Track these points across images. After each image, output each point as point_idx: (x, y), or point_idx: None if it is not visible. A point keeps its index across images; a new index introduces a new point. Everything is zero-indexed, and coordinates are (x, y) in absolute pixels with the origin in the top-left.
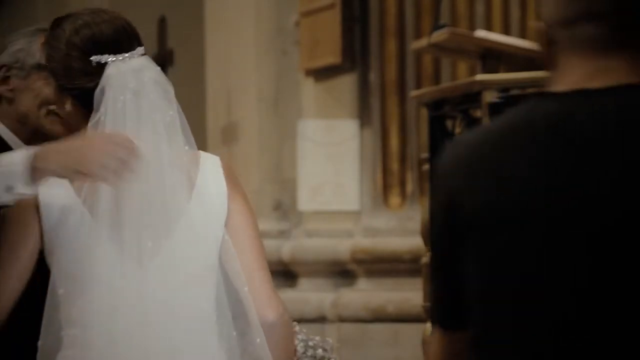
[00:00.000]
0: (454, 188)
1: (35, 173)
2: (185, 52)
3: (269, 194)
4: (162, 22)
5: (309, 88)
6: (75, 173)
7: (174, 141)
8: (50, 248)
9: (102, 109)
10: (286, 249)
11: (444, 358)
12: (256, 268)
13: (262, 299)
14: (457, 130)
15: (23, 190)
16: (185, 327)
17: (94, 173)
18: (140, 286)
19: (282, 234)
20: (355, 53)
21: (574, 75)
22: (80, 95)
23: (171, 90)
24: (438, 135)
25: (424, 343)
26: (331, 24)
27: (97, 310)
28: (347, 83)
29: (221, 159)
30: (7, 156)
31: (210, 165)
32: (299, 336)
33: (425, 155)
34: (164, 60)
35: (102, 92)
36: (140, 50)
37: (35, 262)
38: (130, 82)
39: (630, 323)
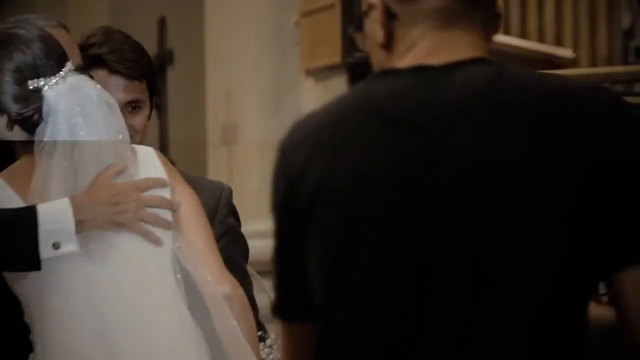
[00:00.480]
0: (293, 170)
1: (79, 228)
2: (185, 52)
3: (269, 194)
4: (162, 22)
5: (309, 88)
6: (115, 225)
7: (116, 141)
8: None
9: (47, 134)
10: None
11: (291, 351)
12: (207, 251)
13: (216, 276)
14: None
15: (69, 247)
16: (143, 316)
17: (132, 225)
18: (95, 286)
19: None
20: (355, 53)
21: (416, 50)
22: (19, 121)
23: (110, 99)
24: None
25: None
26: (331, 24)
27: (53, 318)
28: (347, 83)
29: (155, 150)
30: (47, 207)
31: (148, 158)
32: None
33: None
34: (164, 60)
35: (46, 118)
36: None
37: None
38: (73, 103)
39: (481, 307)
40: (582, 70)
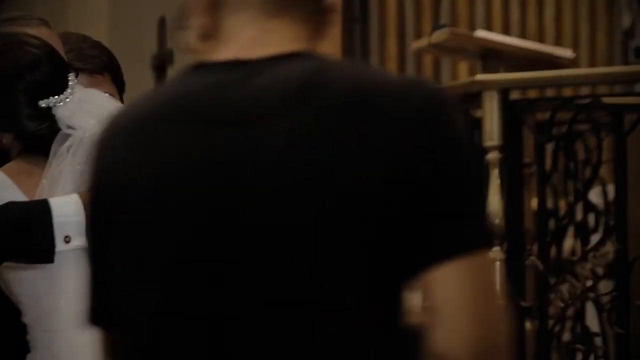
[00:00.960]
0: (103, 166)
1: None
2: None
3: None
4: (162, 22)
5: None
6: None
7: None
8: None
9: (62, 150)
10: None
11: (101, 358)
12: None
13: None
14: None
15: (79, 242)
16: None
17: None
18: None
19: None
20: (355, 53)
21: (236, 41)
22: (28, 138)
23: (116, 103)
24: None
25: None
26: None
27: (60, 309)
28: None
29: None
30: (58, 201)
31: None
32: None
33: None
34: (164, 60)
35: (61, 134)
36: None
37: None
38: (86, 117)
39: (276, 320)
40: (582, 70)
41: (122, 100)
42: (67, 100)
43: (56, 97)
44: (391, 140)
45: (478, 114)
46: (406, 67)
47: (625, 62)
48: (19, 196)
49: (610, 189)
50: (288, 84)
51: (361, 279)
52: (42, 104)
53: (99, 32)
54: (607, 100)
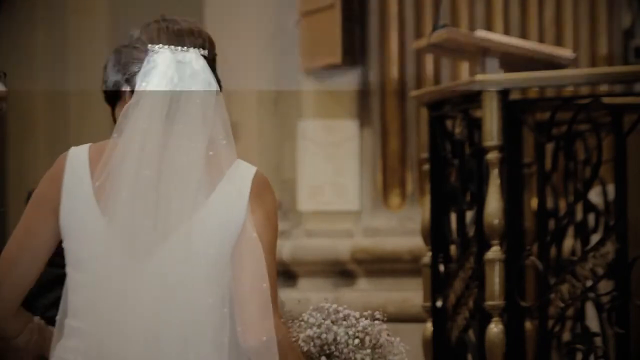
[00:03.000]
0: None
1: None
2: None
3: None
4: None
5: (309, 88)
6: None
7: (205, 140)
8: (65, 232)
9: (141, 89)
10: (286, 249)
11: None
12: (251, 289)
13: (245, 322)
14: (457, 130)
15: None
16: (182, 328)
17: None
18: (142, 282)
19: (282, 234)
20: (355, 53)
21: None
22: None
23: (215, 87)
24: (438, 135)
25: (424, 343)
26: (331, 24)
27: (100, 303)
28: (347, 83)
29: (257, 171)
30: None
31: (240, 174)
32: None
33: (425, 155)
34: None
35: (145, 74)
36: (196, 50)
37: (55, 242)
38: (172, 70)
39: None
40: (582, 71)
41: None
42: (169, 50)
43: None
44: None
45: (478, 114)
46: (406, 67)
47: (625, 62)
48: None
49: (610, 189)
50: None
51: None
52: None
53: (99, 32)
54: (607, 100)
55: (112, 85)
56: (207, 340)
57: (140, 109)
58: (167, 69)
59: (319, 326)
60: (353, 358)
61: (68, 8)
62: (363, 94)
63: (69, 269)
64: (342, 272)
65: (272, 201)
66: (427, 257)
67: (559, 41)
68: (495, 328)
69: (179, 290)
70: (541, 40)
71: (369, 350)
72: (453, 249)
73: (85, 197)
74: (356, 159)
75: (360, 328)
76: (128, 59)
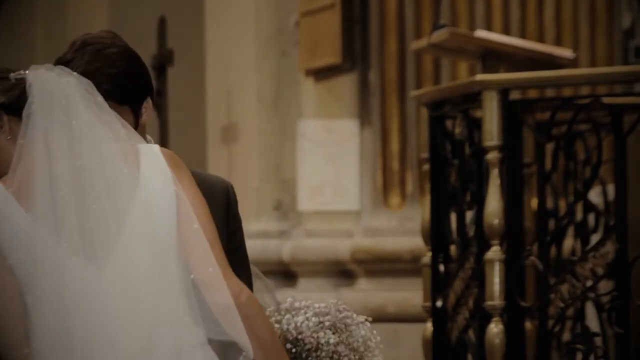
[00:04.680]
0: None
1: None
2: (185, 52)
3: (269, 194)
4: (162, 22)
5: (309, 88)
6: None
7: (113, 134)
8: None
9: (30, 100)
10: (286, 249)
11: None
12: (210, 254)
13: (210, 284)
14: (457, 130)
15: None
16: (150, 320)
17: None
18: (96, 286)
19: (282, 234)
20: (355, 53)
21: None
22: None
23: (96, 94)
24: (438, 135)
25: (424, 343)
26: (331, 24)
27: (51, 316)
28: (347, 83)
29: (160, 147)
30: None
31: (152, 154)
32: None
33: (425, 155)
34: (163, 60)
35: (29, 88)
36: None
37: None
38: (52, 81)
39: None
40: (582, 70)
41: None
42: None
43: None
44: None
45: (478, 114)
46: (406, 67)
47: (625, 62)
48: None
49: (610, 189)
50: None
51: None
52: (12, 76)
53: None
54: (607, 100)
55: None
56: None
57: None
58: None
59: (279, 322)
60: (317, 340)
61: (68, 6)
62: (363, 94)
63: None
64: (342, 272)
65: (183, 167)
66: (427, 257)
67: (559, 41)
68: (495, 328)
69: (135, 290)
70: (541, 40)
71: (329, 331)
72: (453, 249)
73: (17, 216)
74: (356, 158)
75: (316, 310)
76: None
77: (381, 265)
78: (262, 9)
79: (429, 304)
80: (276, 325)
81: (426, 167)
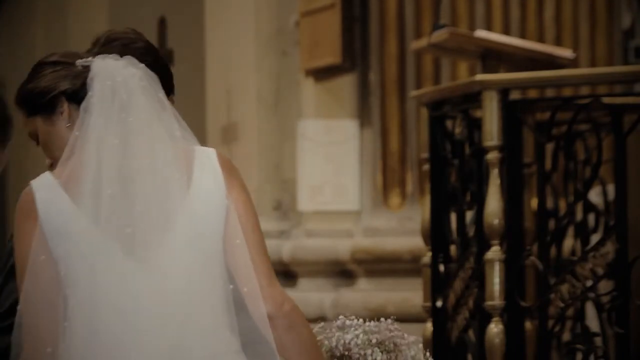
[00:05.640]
0: None
1: None
2: (185, 52)
3: (269, 194)
4: (162, 22)
5: (309, 88)
6: None
7: (168, 134)
8: (54, 252)
9: (90, 94)
10: (286, 249)
11: None
12: (255, 263)
13: (257, 292)
14: (457, 130)
15: None
16: (186, 324)
17: None
18: (132, 288)
19: (282, 234)
20: (355, 53)
21: None
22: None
23: (159, 89)
24: (438, 135)
25: (424, 343)
26: (331, 24)
27: (85, 314)
28: (347, 83)
29: (217, 151)
30: None
31: (206, 158)
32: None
33: (425, 155)
34: None
35: (91, 81)
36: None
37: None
38: (117, 73)
39: None
40: (582, 70)
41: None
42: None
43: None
44: None
45: (478, 114)
46: (406, 67)
47: (625, 62)
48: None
49: (610, 189)
50: None
51: None
52: (79, 63)
53: (99, 33)
54: (607, 100)
55: None
56: (213, 332)
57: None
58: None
59: (329, 338)
60: (364, 357)
61: (68, 6)
62: (363, 94)
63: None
64: (342, 272)
65: (237, 172)
66: (427, 257)
67: (559, 41)
68: (495, 328)
69: (179, 289)
70: (541, 40)
71: (377, 349)
72: (453, 249)
73: (64, 207)
74: (356, 158)
75: (366, 328)
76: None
77: (381, 265)
78: (262, 9)
79: (429, 304)
80: (325, 342)
81: (426, 167)
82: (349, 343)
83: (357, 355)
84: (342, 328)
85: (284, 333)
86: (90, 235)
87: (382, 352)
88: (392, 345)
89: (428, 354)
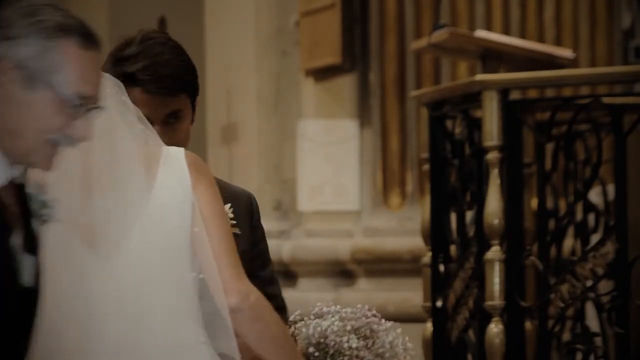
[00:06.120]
0: None
1: None
2: None
3: (269, 194)
4: (162, 22)
5: (309, 88)
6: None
7: (132, 134)
8: None
9: None
10: (286, 249)
11: None
12: (218, 255)
13: (217, 282)
14: (457, 130)
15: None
16: (147, 318)
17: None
18: (106, 281)
19: (282, 234)
20: (355, 53)
21: None
22: None
23: (123, 92)
24: (438, 135)
25: (424, 343)
26: (331, 24)
27: (61, 307)
28: (347, 83)
29: (185, 150)
30: None
31: (172, 157)
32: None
33: (425, 155)
34: None
35: None
36: None
37: None
38: None
39: None
40: (582, 70)
41: (193, 108)
42: None
43: None
44: None
45: (478, 114)
46: (406, 67)
47: (625, 62)
48: None
49: (610, 189)
50: None
51: None
52: None
53: (99, 33)
54: (607, 100)
55: None
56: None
57: None
58: None
59: (307, 325)
60: (340, 344)
61: (68, 6)
62: (363, 94)
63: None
64: (342, 272)
65: (205, 171)
66: (427, 257)
67: (559, 41)
68: (495, 328)
69: (142, 287)
70: (541, 40)
71: (353, 335)
72: (453, 249)
73: None
74: (356, 158)
75: (343, 315)
76: None
77: (381, 265)
78: (262, 9)
79: (429, 304)
80: (303, 330)
81: (426, 167)
82: (326, 330)
83: (333, 342)
84: (319, 315)
85: (250, 325)
86: (52, 228)
87: (358, 338)
88: (368, 331)
89: (407, 339)
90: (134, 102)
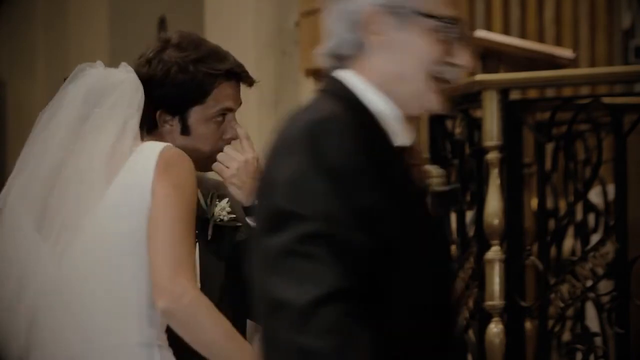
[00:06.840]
0: None
1: None
2: None
3: None
4: (162, 22)
5: (309, 88)
6: None
7: (106, 133)
8: None
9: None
10: None
11: None
12: (156, 255)
13: (154, 288)
14: (457, 130)
15: None
16: (93, 315)
17: None
18: (56, 271)
19: None
20: None
21: None
22: None
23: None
24: (438, 135)
25: None
26: None
27: (14, 296)
28: None
29: (167, 147)
30: None
31: (142, 156)
32: None
33: (425, 155)
34: None
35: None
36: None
37: None
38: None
39: None
40: (582, 70)
41: None
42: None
43: None
44: None
45: (478, 114)
46: None
47: (625, 62)
48: None
49: (610, 189)
50: None
51: None
52: None
53: (99, 32)
54: (607, 100)
55: None
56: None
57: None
58: None
59: None
60: None
61: (68, 6)
62: None
63: None
64: None
65: (181, 171)
66: None
67: (559, 41)
68: (495, 328)
69: (92, 277)
70: (541, 40)
71: None
72: (453, 249)
73: None
74: None
75: None
76: None
77: None
78: (262, 9)
79: None
80: None
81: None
82: None
83: None
84: None
85: (183, 329)
86: (15, 216)
87: None
88: None
89: None
90: (222, 96)
